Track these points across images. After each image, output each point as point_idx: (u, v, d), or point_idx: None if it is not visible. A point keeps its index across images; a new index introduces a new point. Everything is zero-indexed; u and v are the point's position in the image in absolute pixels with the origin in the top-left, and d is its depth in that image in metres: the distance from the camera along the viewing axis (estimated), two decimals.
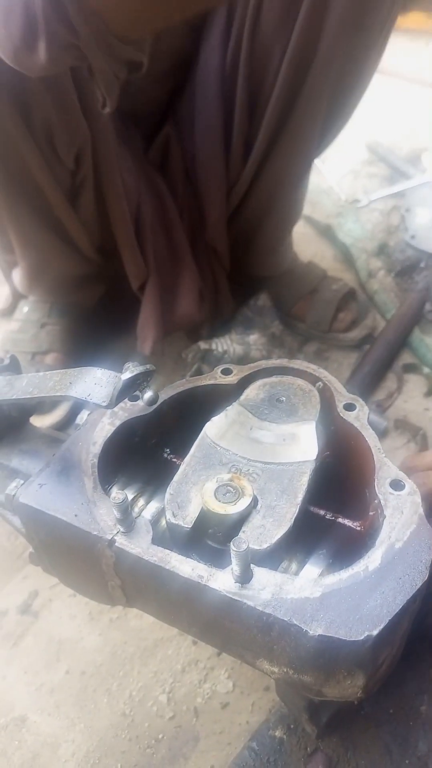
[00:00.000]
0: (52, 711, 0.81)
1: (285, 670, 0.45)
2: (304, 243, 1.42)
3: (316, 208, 1.51)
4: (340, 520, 0.53)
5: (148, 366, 0.48)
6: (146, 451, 0.59)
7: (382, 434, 1.13)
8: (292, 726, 0.67)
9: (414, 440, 1.14)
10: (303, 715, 0.60)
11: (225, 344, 1.09)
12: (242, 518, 0.47)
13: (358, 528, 0.52)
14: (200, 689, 0.82)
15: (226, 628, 0.45)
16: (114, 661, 0.86)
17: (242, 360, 1.12)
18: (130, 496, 0.55)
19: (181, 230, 1.04)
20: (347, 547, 0.52)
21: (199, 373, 1.11)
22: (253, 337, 1.13)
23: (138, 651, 0.86)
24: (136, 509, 0.55)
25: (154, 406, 0.56)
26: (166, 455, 0.60)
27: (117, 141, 0.95)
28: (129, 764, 0.78)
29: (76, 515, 0.48)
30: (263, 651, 0.45)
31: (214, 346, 1.08)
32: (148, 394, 0.53)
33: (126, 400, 0.57)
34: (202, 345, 1.09)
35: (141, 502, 0.55)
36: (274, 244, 1.21)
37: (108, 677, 0.84)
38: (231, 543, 0.41)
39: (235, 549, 0.41)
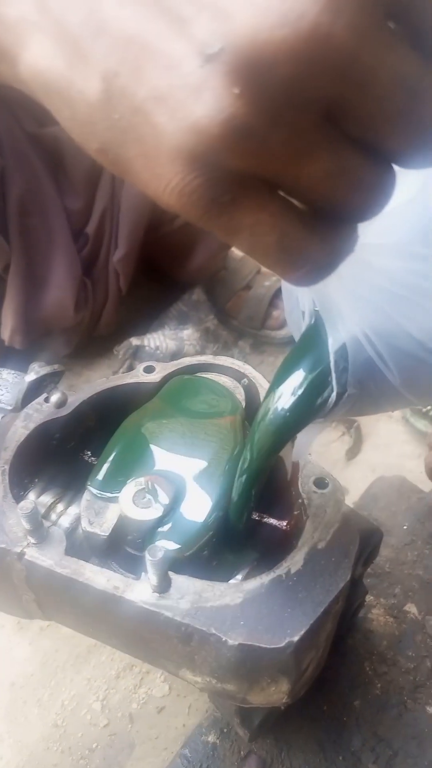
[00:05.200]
0: None
1: (208, 679, 0.43)
2: None
3: None
4: (265, 519, 0.51)
5: (55, 366, 0.46)
6: (65, 454, 0.56)
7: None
8: (225, 730, 0.66)
9: (348, 433, 1.15)
10: (234, 719, 0.59)
11: (158, 340, 1.07)
12: (160, 523, 0.45)
13: (285, 527, 0.51)
14: (135, 694, 0.80)
15: (145, 639, 0.43)
16: (45, 671, 0.83)
17: (175, 356, 1.10)
18: (48, 502, 0.52)
19: (62, 215, 1.00)
20: (276, 548, 0.50)
21: (130, 369, 1.08)
22: (187, 332, 1.11)
23: (70, 658, 0.83)
24: (54, 515, 0.52)
25: (71, 409, 0.53)
26: (87, 458, 0.57)
27: None
28: None
29: None
30: (185, 661, 0.43)
31: (146, 342, 1.06)
32: (56, 396, 0.50)
33: (42, 401, 0.54)
34: (134, 341, 1.06)
35: (60, 507, 0.53)
36: (214, 256, 1.19)
37: (39, 687, 0.81)
38: (146, 551, 0.39)
39: (150, 558, 0.39)
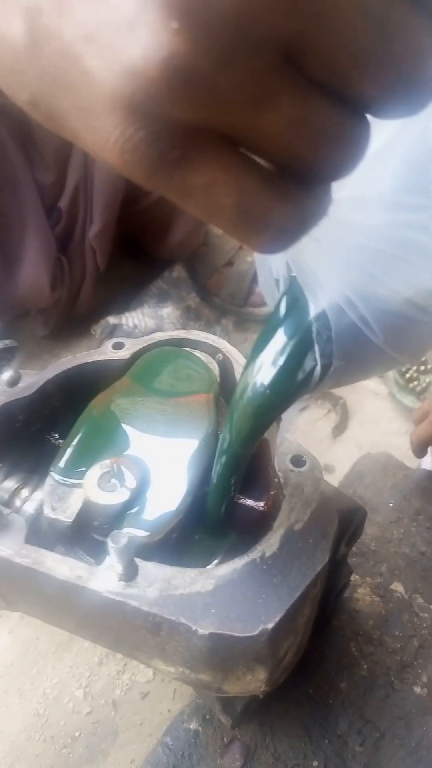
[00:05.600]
0: None
1: (181, 669, 0.41)
2: None
3: None
4: (242, 500, 0.49)
5: (7, 342, 0.43)
6: (31, 436, 0.53)
7: (301, 407, 1.11)
8: (207, 717, 0.64)
9: (334, 410, 1.13)
10: (216, 706, 0.57)
11: (136, 318, 1.03)
12: (127, 507, 0.42)
13: (263, 508, 0.49)
14: (119, 680, 0.78)
15: (114, 629, 0.41)
16: (26, 659, 0.80)
17: None
18: (12, 487, 0.50)
19: (33, 190, 0.96)
20: (254, 530, 0.48)
21: None
22: (167, 310, 1.08)
23: (52, 646, 0.81)
24: (18, 501, 0.49)
25: (34, 389, 0.50)
26: (54, 440, 0.54)
27: None
28: (44, 767, 0.73)
29: None
30: (155, 651, 0.40)
31: (124, 321, 1.02)
32: (8, 374, 0.47)
33: (2, 381, 0.51)
34: (111, 320, 1.03)
35: (24, 492, 0.50)
36: (193, 232, 1.16)
37: (20, 676, 0.79)
38: (108, 538, 0.36)
39: (113, 545, 0.36)
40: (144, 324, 1.02)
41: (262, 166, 0.21)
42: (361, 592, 0.72)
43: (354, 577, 0.72)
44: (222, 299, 1.18)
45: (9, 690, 0.78)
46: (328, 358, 0.36)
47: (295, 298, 0.37)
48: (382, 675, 0.66)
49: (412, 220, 0.30)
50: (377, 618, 0.70)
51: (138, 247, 1.21)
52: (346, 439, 1.11)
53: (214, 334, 1.14)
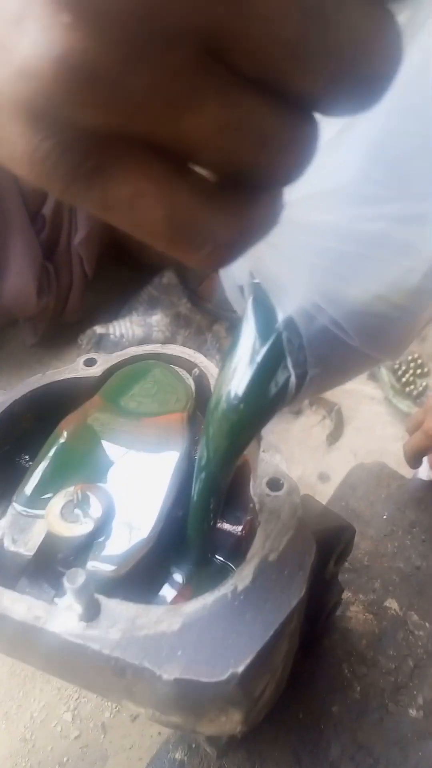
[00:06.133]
0: None
1: (151, 711, 0.38)
2: None
3: None
4: (219, 524, 0.46)
5: None
6: None
7: (295, 412, 1.09)
8: (193, 746, 0.61)
9: (329, 416, 1.10)
10: (200, 735, 0.54)
11: (123, 327, 1.01)
12: (92, 539, 0.40)
13: (240, 533, 0.46)
14: (108, 703, 0.76)
15: (78, 671, 0.38)
16: (13, 681, 0.78)
17: (143, 343, 1.05)
18: None
19: (17, 196, 0.94)
20: (230, 557, 0.45)
21: None
22: (156, 318, 1.06)
23: None
24: None
25: (1, 410, 0.48)
26: (24, 462, 0.52)
27: None
28: None
29: None
30: (123, 693, 0.38)
31: (111, 330, 1.00)
32: None
33: None
34: (98, 329, 1.00)
35: None
36: None
37: (6, 699, 0.77)
38: (64, 577, 0.34)
39: (69, 585, 0.34)
40: (131, 333, 1.00)
41: (198, 175, 0.19)
42: (354, 610, 0.69)
43: (346, 594, 0.69)
44: (213, 304, 1.16)
45: None
46: (302, 366, 0.33)
47: (262, 305, 0.34)
48: (375, 697, 0.64)
49: (379, 212, 0.27)
50: (371, 637, 0.68)
51: (126, 252, 1.19)
52: (342, 446, 1.08)
53: (205, 341, 1.12)
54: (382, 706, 0.63)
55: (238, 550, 0.45)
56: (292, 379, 0.34)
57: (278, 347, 0.33)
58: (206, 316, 1.18)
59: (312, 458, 1.07)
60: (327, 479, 1.03)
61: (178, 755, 0.60)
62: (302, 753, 0.60)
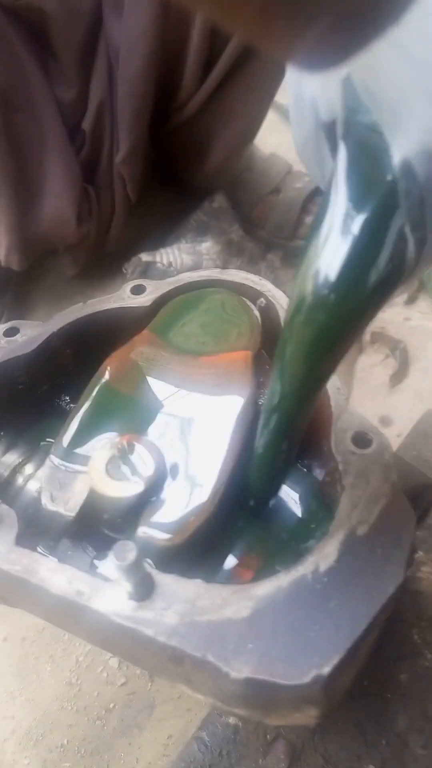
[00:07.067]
0: None
1: (212, 700, 0.33)
2: (267, 131, 1.22)
3: (284, 88, 1.30)
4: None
5: None
6: (36, 401, 0.45)
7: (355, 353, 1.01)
8: None
9: (393, 356, 1.02)
10: None
11: (171, 255, 0.92)
12: (142, 499, 0.33)
13: (326, 478, 0.38)
14: None
15: (129, 649, 0.33)
16: None
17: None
18: (14, 462, 0.41)
19: (54, 110, 0.84)
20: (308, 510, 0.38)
21: None
22: (206, 245, 0.97)
23: None
24: (21, 479, 0.41)
25: (36, 345, 0.41)
26: (65, 405, 0.45)
27: None
28: (76, 739, 0.70)
29: None
30: (180, 679, 0.32)
31: (158, 258, 0.92)
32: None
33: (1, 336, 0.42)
34: (144, 257, 0.92)
35: (28, 469, 0.41)
36: (233, 153, 1.03)
37: (51, 642, 0.75)
38: (112, 551, 0.27)
39: (118, 562, 0.27)
40: (180, 261, 0.91)
41: None
42: (426, 571, 0.63)
43: (418, 554, 0.63)
44: (268, 231, 1.07)
45: (40, 657, 0.75)
46: (421, 229, 0.24)
47: (364, 147, 0.25)
48: None
49: None
50: None
51: (173, 173, 1.09)
52: (406, 389, 1.00)
53: (259, 270, 1.03)
54: None
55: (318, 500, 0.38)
56: (410, 246, 0.24)
57: (389, 205, 0.24)
58: (259, 244, 1.09)
59: (373, 400, 0.99)
60: (389, 423, 0.96)
61: (232, 719, 0.56)
62: (366, 723, 0.56)
